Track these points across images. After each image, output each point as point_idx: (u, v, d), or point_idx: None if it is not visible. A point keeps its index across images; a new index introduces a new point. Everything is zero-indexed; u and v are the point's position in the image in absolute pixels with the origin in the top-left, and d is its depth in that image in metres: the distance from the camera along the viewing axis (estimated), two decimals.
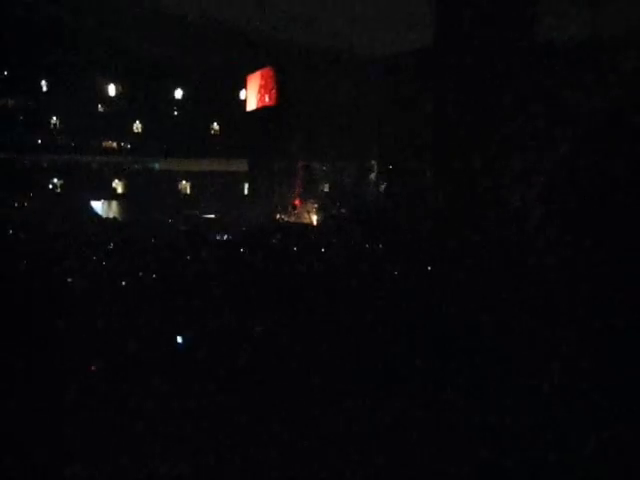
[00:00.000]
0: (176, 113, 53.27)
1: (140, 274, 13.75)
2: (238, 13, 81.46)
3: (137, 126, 51.96)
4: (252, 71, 47.51)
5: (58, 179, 47.53)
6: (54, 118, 49.84)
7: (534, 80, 27.34)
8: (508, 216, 25.42)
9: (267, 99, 45.38)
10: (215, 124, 53.87)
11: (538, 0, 27.51)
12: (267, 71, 45.62)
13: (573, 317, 9.25)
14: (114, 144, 51.61)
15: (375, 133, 37.83)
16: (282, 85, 43.08)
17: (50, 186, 47.43)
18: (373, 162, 38.71)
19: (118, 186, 50.13)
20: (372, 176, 38.73)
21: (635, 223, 11.19)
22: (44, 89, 48.97)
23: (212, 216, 40.97)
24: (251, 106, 48.32)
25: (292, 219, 38.50)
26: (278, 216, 39.66)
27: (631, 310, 8.66)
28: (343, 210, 35.27)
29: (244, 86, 49.72)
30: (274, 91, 44.24)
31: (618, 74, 27.57)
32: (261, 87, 46.47)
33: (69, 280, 12.51)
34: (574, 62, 27.44)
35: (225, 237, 24.55)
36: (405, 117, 34.48)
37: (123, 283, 13.02)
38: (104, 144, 51.18)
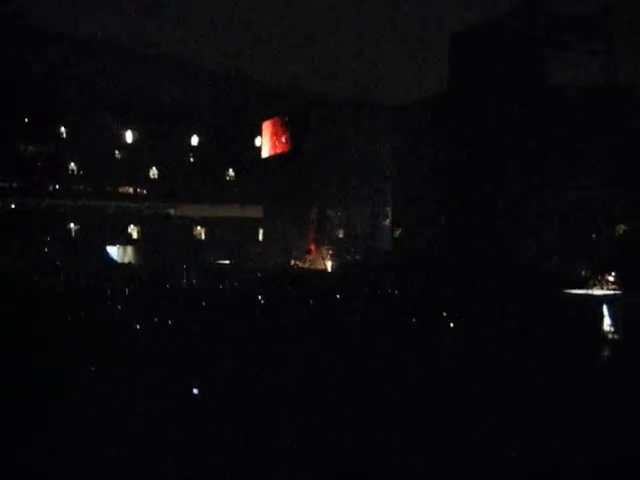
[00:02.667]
0: (192, 159, 53.84)
1: (151, 319, 13.78)
2: (254, 62, 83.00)
3: (153, 172, 52.53)
4: (267, 118, 48.11)
5: (75, 224, 47.91)
6: (72, 164, 50.54)
7: (545, 127, 27.58)
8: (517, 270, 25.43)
9: (280, 146, 45.89)
10: (230, 170, 54.40)
11: (548, 52, 27.92)
12: (280, 119, 46.23)
13: None
14: (130, 189, 52.12)
15: (389, 180, 38.07)
16: (296, 132, 43.52)
17: (67, 232, 47.80)
18: (387, 209, 38.82)
19: (133, 231, 50.42)
20: (386, 222, 38.82)
21: None
22: (63, 135, 49.71)
23: (227, 262, 41.07)
24: (265, 153, 48.83)
25: (307, 265, 38.51)
26: (293, 262, 39.68)
27: None
28: (357, 257, 35.32)
29: (259, 133, 50.28)
30: (287, 139, 44.74)
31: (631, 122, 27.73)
32: (274, 134, 47.02)
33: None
34: (586, 108, 27.70)
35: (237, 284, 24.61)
36: (418, 165, 34.72)
37: (137, 326, 13.07)
38: (120, 189, 51.70)
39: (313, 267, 37.56)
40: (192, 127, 52.94)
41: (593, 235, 28.21)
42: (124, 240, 49.15)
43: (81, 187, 49.95)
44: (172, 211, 51.68)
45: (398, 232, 37.27)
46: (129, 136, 51.74)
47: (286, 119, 45.53)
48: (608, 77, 27.50)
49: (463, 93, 31.02)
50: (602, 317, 17.79)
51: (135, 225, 50.49)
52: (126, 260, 45.38)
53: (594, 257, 26.86)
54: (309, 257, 39.56)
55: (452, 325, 14.77)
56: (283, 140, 45.66)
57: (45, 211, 47.20)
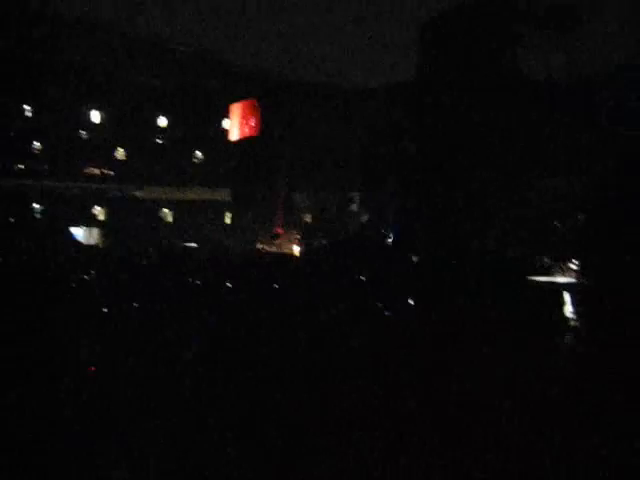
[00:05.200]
0: (160, 141, 53.26)
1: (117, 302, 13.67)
2: (223, 43, 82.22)
3: (120, 153, 51.86)
4: (236, 101, 47.79)
5: (38, 205, 47.21)
6: (36, 144, 49.68)
7: (512, 113, 27.84)
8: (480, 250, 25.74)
9: (248, 129, 45.64)
10: (199, 152, 53.95)
11: (518, 40, 28.15)
12: (250, 102, 45.94)
13: None
14: (96, 171, 51.40)
15: (357, 164, 38.13)
16: (265, 115, 43.36)
17: (30, 212, 47.08)
18: (355, 193, 38.95)
19: (99, 213, 49.83)
20: (354, 207, 38.94)
21: None
22: (27, 114, 48.81)
23: (194, 245, 40.83)
24: (234, 136, 48.53)
25: (274, 249, 38.48)
26: (260, 246, 39.63)
27: None
28: (324, 241, 35.34)
29: (228, 115, 49.93)
30: (256, 121, 44.54)
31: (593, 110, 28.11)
32: (243, 117, 46.76)
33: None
34: (550, 98, 28.02)
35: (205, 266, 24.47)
36: (387, 149, 34.83)
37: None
38: (86, 170, 50.96)
39: (281, 251, 37.56)
40: (160, 108, 52.34)
41: (556, 223, 28.63)
42: (89, 222, 48.58)
43: (45, 167, 49.15)
44: (139, 193, 51.12)
45: (365, 218, 37.44)
46: (95, 116, 50.99)
47: (255, 102, 45.30)
48: (576, 68, 27.81)
49: (431, 79, 31.16)
50: (564, 304, 18.09)
51: (101, 207, 49.89)
52: (92, 242, 44.89)
53: (558, 245, 27.26)
54: (277, 241, 39.55)
55: (412, 308, 14.90)
56: (252, 123, 45.45)
57: (7, 191, 46.40)
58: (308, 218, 41.27)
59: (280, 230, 40.41)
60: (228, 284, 17.90)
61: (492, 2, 28.64)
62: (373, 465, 6.41)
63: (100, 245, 42.66)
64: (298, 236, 39.09)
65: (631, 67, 27.89)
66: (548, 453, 6.55)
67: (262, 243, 39.98)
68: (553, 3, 28.36)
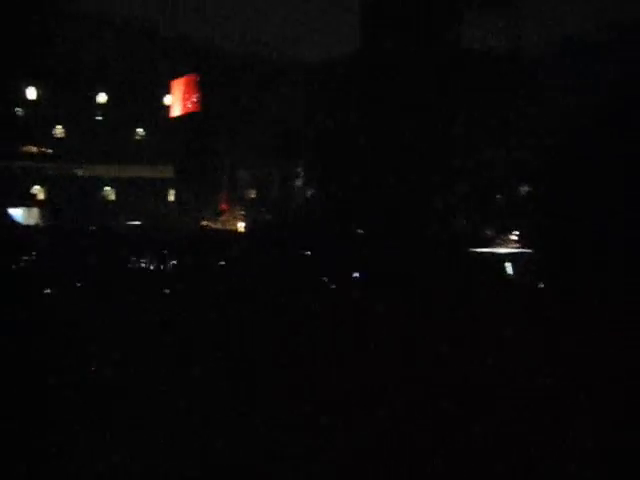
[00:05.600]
0: (100, 117, 52.10)
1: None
2: (163, 18, 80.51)
3: (59, 130, 50.61)
4: (177, 77, 47.04)
5: None
6: None
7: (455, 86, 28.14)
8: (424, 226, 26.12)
9: (191, 105, 45.04)
10: (140, 129, 52.96)
11: (461, 14, 28.39)
12: (191, 77, 45.29)
13: None
14: (34, 149, 50.06)
15: (302, 140, 38.02)
16: (207, 91, 42.83)
17: None
18: (299, 169, 38.86)
19: (39, 192, 48.63)
20: (298, 182, 38.89)
21: None
22: None
23: (137, 223, 40.30)
24: (176, 112, 47.83)
25: (218, 225, 38.26)
26: (205, 223, 39.34)
27: None
28: (268, 216, 35.36)
29: (169, 91, 49.11)
30: (198, 97, 43.96)
31: (533, 84, 28.61)
32: (185, 92, 46.10)
33: None
34: (494, 71, 28.41)
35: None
36: (331, 124, 34.81)
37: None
38: (24, 149, 49.59)
39: (225, 227, 37.38)
40: (100, 84, 51.13)
41: (498, 195, 29.18)
42: (29, 202, 47.40)
43: None
44: (79, 171, 49.99)
45: (310, 193, 37.44)
46: (32, 93, 49.57)
47: (197, 77, 44.69)
48: (513, 42, 28.24)
49: (375, 53, 31.20)
50: (504, 273, 18.53)
51: (40, 186, 48.69)
52: (31, 222, 43.86)
53: (499, 217, 27.82)
54: (221, 217, 39.32)
55: (358, 282, 15.06)
56: (194, 99, 44.85)
57: None
58: (252, 194, 41.08)
59: (224, 206, 40.17)
60: (173, 261, 17.77)
61: None
62: None
63: (40, 225, 41.69)
64: (242, 212, 38.95)
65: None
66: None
67: (206, 220, 39.69)
68: None
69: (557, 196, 27.46)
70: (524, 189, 29.82)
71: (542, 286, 16.38)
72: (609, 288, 12.74)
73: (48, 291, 13.11)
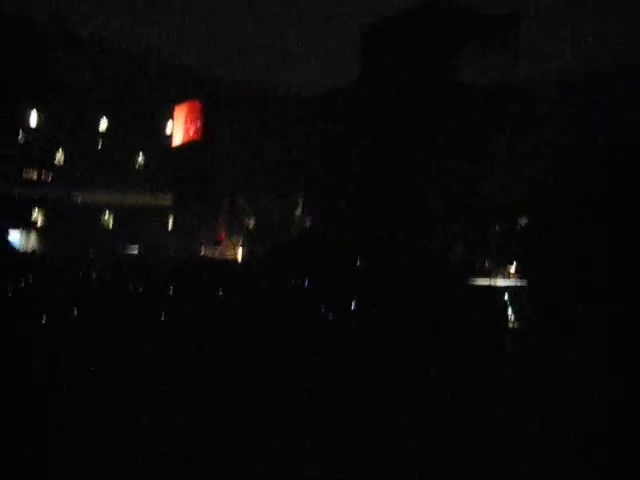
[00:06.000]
0: (101, 144, 52.35)
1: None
2: (167, 45, 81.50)
3: (59, 157, 50.82)
4: (179, 104, 47.35)
5: None
6: None
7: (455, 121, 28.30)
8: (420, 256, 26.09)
9: (192, 133, 45.24)
10: (140, 156, 53.20)
11: (460, 49, 28.65)
12: (194, 104, 45.56)
13: None
14: (34, 174, 50.22)
15: (301, 170, 38.17)
16: (209, 119, 43.05)
17: None
18: (298, 198, 38.95)
19: (38, 218, 48.68)
20: (297, 211, 38.95)
21: None
22: None
23: (135, 250, 40.30)
24: (177, 139, 48.07)
25: (217, 254, 38.24)
26: (203, 251, 39.34)
27: None
28: (267, 246, 35.30)
29: (170, 119, 49.40)
30: (200, 125, 44.17)
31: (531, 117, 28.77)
32: (187, 120, 46.35)
33: None
34: (492, 104, 28.60)
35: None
36: (329, 155, 34.98)
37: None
38: (24, 174, 49.76)
39: (224, 256, 37.36)
40: (101, 111, 51.46)
41: (497, 227, 29.18)
42: (28, 227, 47.41)
43: None
44: (79, 197, 50.10)
45: (308, 222, 37.49)
46: (34, 119, 49.89)
47: (199, 105, 44.94)
48: (512, 76, 28.46)
49: (373, 86, 31.45)
50: (504, 306, 18.44)
51: (40, 212, 48.75)
52: (30, 248, 43.81)
53: (498, 249, 27.79)
54: (219, 246, 39.30)
55: (356, 314, 14.98)
56: (195, 126, 45.06)
57: None
58: (251, 223, 41.10)
59: (223, 235, 40.17)
60: (170, 290, 17.70)
61: (430, 12, 29.06)
62: None
63: (39, 251, 41.65)
64: (241, 241, 38.96)
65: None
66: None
67: (205, 247, 39.69)
68: (489, 13, 28.96)
69: (554, 228, 27.49)
70: (523, 220, 29.87)
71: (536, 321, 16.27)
72: (601, 323, 12.69)
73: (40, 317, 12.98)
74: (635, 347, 10.30)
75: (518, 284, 24.89)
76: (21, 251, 39.99)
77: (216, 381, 9.06)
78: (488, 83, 28.48)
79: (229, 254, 37.91)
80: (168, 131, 50.68)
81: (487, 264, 27.37)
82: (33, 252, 39.95)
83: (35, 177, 50.11)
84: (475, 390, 8.35)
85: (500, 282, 25.36)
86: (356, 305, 16.52)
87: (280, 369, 9.46)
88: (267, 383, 8.82)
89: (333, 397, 8.32)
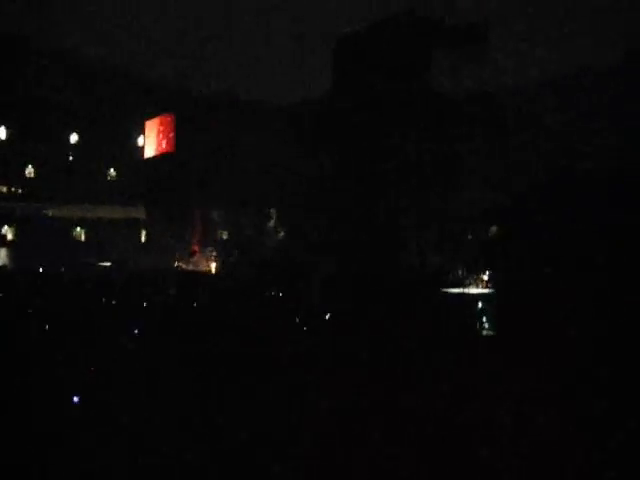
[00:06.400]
0: (71, 158, 51.99)
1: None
2: (136, 58, 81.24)
3: (29, 170, 50.38)
4: (150, 117, 47.16)
5: None
6: None
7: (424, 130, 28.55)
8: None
9: (165, 145, 45.07)
10: (112, 170, 52.92)
11: (427, 58, 28.94)
12: (166, 117, 45.41)
13: None
14: (4, 189, 49.71)
15: (274, 181, 38.12)
16: (181, 132, 42.92)
17: None
18: (272, 210, 38.88)
19: (8, 233, 48.12)
20: (271, 223, 38.90)
21: None
22: None
23: (108, 264, 39.94)
24: (149, 152, 47.87)
25: (190, 266, 38.08)
26: (176, 263, 39.13)
27: None
28: (240, 258, 35.23)
29: (142, 132, 49.19)
30: (173, 137, 44.02)
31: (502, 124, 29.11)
32: (159, 133, 46.17)
33: None
34: (465, 113, 28.89)
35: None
36: (303, 166, 35.03)
37: None
38: None
39: (197, 269, 37.20)
40: (71, 124, 51.13)
41: (469, 236, 29.43)
42: None
43: None
44: (50, 211, 49.65)
45: (281, 234, 37.49)
46: (2, 132, 49.45)
47: (171, 118, 44.80)
48: (484, 83, 28.79)
49: (347, 96, 31.60)
50: (475, 313, 18.58)
51: (9, 226, 48.20)
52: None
53: (470, 257, 28.01)
54: (193, 259, 39.13)
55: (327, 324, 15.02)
56: (168, 139, 44.90)
57: None
58: (225, 235, 40.98)
59: (196, 247, 40.01)
60: (144, 303, 17.61)
61: (402, 22, 29.33)
62: None
63: (8, 266, 41.14)
64: (215, 253, 38.81)
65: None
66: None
67: (179, 260, 39.49)
68: (458, 23, 29.30)
69: (528, 238, 27.74)
70: (494, 229, 30.14)
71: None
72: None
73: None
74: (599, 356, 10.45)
75: (490, 292, 25.10)
76: None
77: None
78: (461, 92, 28.80)
79: (203, 266, 37.76)
80: (140, 144, 50.47)
81: (460, 273, 27.57)
82: (3, 267, 39.42)
83: (5, 191, 49.61)
84: (448, 396, 8.41)
85: (473, 290, 25.57)
86: (330, 315, 16.55)
87: (253, 379, 9.46)
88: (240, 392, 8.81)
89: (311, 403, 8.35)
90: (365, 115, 30.18)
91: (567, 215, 26.72)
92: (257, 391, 8.77)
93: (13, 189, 49.90)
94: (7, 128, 49.34)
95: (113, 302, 16.91)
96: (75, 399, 8.40)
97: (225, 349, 11.34)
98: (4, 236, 47.98)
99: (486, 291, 25.09)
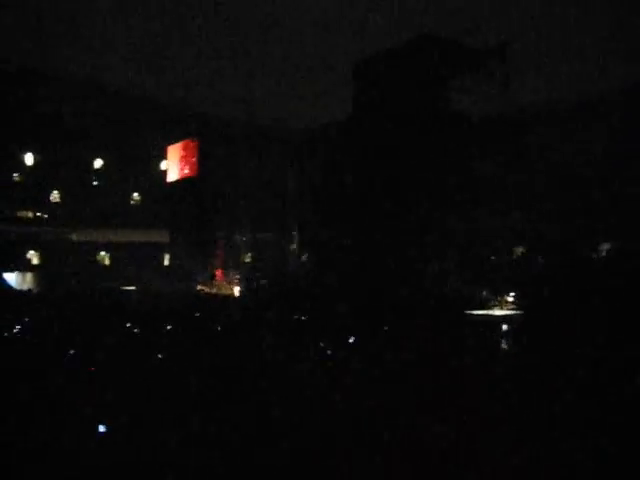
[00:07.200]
0: (95, 183, 52.67)
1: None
2: (158, 84, 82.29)
3: (54, 195, 51.06)
4: (173, 142, 47.64)
5: None
6: None
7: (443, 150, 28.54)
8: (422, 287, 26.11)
9: (188, 170, 45.45)
10: (135, 194, 53.51)
11: (446, 80, 29.01)
12: (189, 142, 45.84)
13: None
14: (30, 214, 50.39)
15: (296, 205, 38.30)
16: (203, 156, 43.27)
17: None
18: (294, 233, 38.99)
19: (33, 257, 48.68)
20: (293, 247, 38.99)
21: None
22: None
23: (132, 288, 40.21)
24: (172, 177, 48.29)
25: (214, 290, 38.19)
26: (199, 287, 39.28)
27: None
28: (264, 281, 35.26)
29: (164, 157, 49.70)
30: (195, 162, 44.39)
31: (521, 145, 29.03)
32: (182, 158, 46.58)
33: None
34: (484, 134, 28.88)
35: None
36: (323, 189, 35.16)
37: None
38: (19, 214, 49.92)
39: (220, 292, 37.27)
40: (95, 149, 51.85)
41: (492, 257, 29.29)
42: (23, 266, 47.37)
43: None
44: (74, 235, 50.23)
45: (305, 256, 37.53)
46: (29, 158, 50.22)
47: (193, 142, 45.21)
48: (503, 105, 28.75)
49: (366, 120, 31.73)
50: (501, 336, 18.42)
51: (35, 250, 48.78)
52: (25, 287, 43.70)
53: (494, 278, 27.85)
54: (215, 282, 39.26)
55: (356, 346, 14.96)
56: (190, 164, 45.28)
57: None
58: (247, 258, 41.10)
59: (219, 271, 40.15)
60: (169, 327, 17.67)
61: (419, 46, 29.43)
62: None
63: (34, 290, 41.57)
64: (238, 276, 38.90)
65: None
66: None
67: (202, 284, 39.64)
68: (477, 45, 29.36)
69: (549, 258, 27.61)
70: (519, 250, 30.02)
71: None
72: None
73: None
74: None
75: (515, 314, 24.90)
76: (16, 290, 39.83)
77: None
78: (480, 114, 28.80)
79: (226, 289, 37.84)
80: (163, 168, 50.96)
81: (484, 294, 27.41)
82: (29, 291, 39.80)
83: (31, 216, 50.29)
84: (469, 422, 8.36)
85: (497, 312, 25.38)
86: (355, 338, 16.49)
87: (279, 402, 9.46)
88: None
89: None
90: (385, 138, 30.26)
91: (592, 236, 26.57)
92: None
93: (39, 214, 50.56)
94: (33, 154, 50.10)
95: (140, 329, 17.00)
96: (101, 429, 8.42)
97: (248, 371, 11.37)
98: (30, 260, 48.53)
99: (511, 313, 24.90)
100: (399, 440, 7.75)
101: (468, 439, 7.75)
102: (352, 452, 7.61)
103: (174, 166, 47.87)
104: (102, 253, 50.27)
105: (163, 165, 50.85)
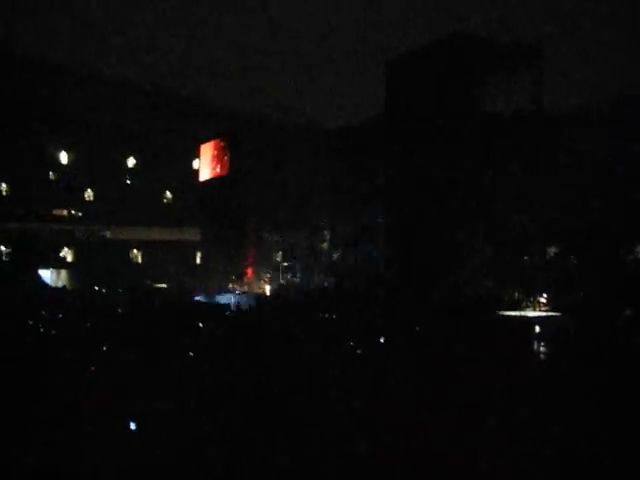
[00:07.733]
0: (128, 181, 53.21)
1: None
2: (193, 82, 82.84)
3: (89, 194, 51.68)
4: (206, 141, 47.85)
5: (5, 247, 46.46)
6: (3, 185, 49.49)
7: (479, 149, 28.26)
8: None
9: (220, 169, 45.56)
10: (168, 192, 53.93)
11: (482, 80, 28.72)
12: (220, 141, 45.98)
13: None
14: (64, 212, 51.06)
15: (328, 204, 38.20)
16: (235, 155, 43.34)
17: None
18: (326, 232, 38.86)
19: (68, 254, 49.31)
20: (324, 245, 38.89)
21: None
22: None
23: (164, 286, 40.53)
24: (204, 176, 48.50)
25: (245, 288, 38.30)
26: (231, 285, 39.42)
27: None
28: (296, 279, 35.34)
29: (197, 156, 49.96)
30: (227, 161, 44.47)
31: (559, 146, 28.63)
32: (214, 157, 46.72)
33: None
34: (517, 133, 28.54)
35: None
36: (355, 187, 35.07)
37: None
38: (55, 212, 50.61)
39: (251, 291, 37.37)
40: (129, 148, 52.37)
41: (525, 257, 28.95)
42: (58, 264, 48.00)
43: (13, 209, 48.63)
44: (108, 234, 50.79)
45: (336, 255, 37.46)
46: (64, 157, 50.89)
47: (225, 141, 45.29)
48: (536, 104, 28.38)
49: (399, 118, 31.56)
50: (534, 337, 18.24)
51: (69, 248, 49.40)
52: (60, 284, 44.29)
53: (527, 279, 27.55)
54: (246, 280, 39.36)
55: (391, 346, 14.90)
56: (223, 163, 45.37)
57: None
58: (278, 257, 41.10)
59: (251, 269, 40.26)
60: (201, 324, 17.78)
61: (452, 44, 29.15)
62: None
63: (69, 287, 42.07)
64: (269, 275, 38.99)
65: None
66: None
67: (233, 283, 39.76)
68: (510, 42, 28.95)
69: (584, 257, 27.22)
70: (552, 250, 29.63)
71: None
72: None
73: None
74: None
75: (549, 315, 24.64)
76: (52, 287, 40.38)
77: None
78: (514, 113, 28.46)
79: (257, 288, 37.96)
80: (195, 167, 51.24)
81: (517, 295, 27.13)
82: (64, 288, 40.31)
83: (65, 214, 50.95)
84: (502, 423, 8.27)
85: (530, 313, 25.13)
86: (385, 338, 16.42)
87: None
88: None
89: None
90: (417, 137, 30.08)
91: (628, 235, 26.11)
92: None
93: (73, 212, 51.20)
94: (68, 153, 50.76)
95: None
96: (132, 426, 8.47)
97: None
98: (64, 258, 49.17)
99: (545, 314, 24.63)
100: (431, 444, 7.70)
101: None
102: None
103: (206, 165, 48.04)
104: (135, 251, 50.75)
105: (195, 164, 51.14)
